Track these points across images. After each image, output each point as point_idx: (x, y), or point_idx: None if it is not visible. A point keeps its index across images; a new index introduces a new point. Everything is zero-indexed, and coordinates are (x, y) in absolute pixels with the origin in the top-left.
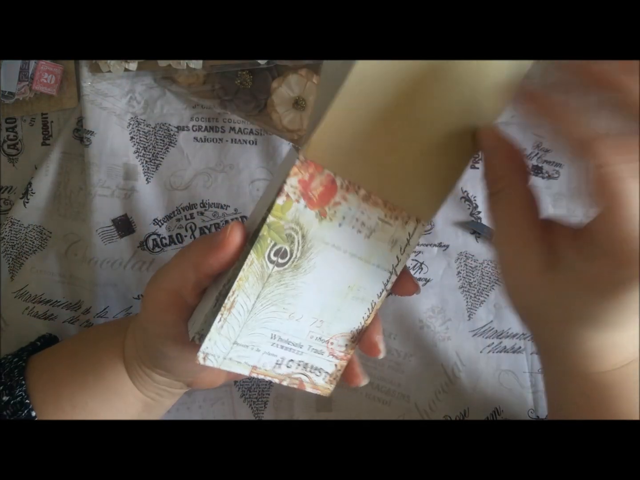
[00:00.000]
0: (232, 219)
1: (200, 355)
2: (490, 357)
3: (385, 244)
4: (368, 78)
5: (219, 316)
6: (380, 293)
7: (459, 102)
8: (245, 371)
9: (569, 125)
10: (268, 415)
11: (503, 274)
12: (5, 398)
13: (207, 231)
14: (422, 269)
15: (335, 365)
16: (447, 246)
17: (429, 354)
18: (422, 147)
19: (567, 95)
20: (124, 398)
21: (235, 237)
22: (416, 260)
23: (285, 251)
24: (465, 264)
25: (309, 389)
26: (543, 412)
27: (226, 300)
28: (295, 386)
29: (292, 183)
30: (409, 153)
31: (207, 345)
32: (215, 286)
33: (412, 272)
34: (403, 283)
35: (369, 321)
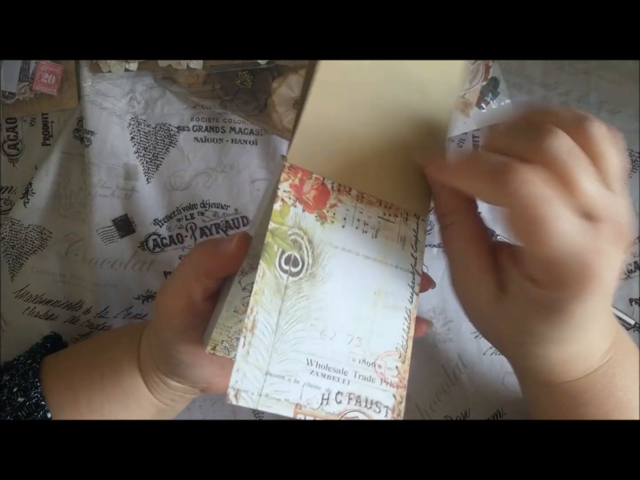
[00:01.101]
0: (232, 220)
1: (231, 392)
2: (493, 359)
3: (395, 242)
4: (334, 79)
5: (242, 340)
6: (411, 297)
7: (421, 97)
8: (288, 412)
9: (477, 170)
10: (268, 415)
11: (461, 304)
12: (20, 399)
13: (207, 231)
14: None
15: (394, 395)
16: None
17: (429, 355)
18: (399, 142)
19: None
20: (140, 403)
21: (241, 248)
22: None
23: (296, 258)
24: None
25: None
26: None
27: (246, 320)
28: None
29: (285, 188)
30: (388, 150)
31: (235, 378)
32: (224, 293)
33: None
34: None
35: (411, 334)
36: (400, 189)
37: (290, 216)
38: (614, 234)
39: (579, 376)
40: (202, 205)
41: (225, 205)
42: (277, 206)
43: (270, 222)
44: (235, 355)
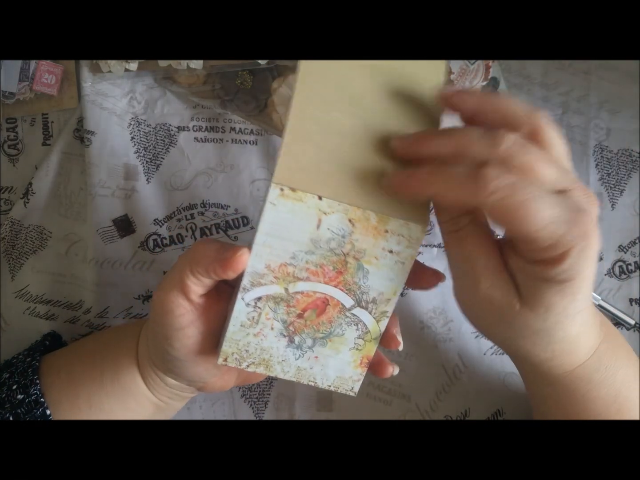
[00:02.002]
0: (232, 220)
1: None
2: (493, 359)
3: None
4: (315, 85)
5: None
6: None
7: (408, 99)
8: None
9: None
10: (269, 415)
11: (471, 310)
12: (19, 396)
13: (207, 231)
14: None
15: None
16: None
17: (429, 355)
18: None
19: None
20: (138, 400)
21: (241, 262)
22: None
23: None
24: None
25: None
26: None
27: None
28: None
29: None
30: (382, 161)
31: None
32: (230, 308)
33: None
34: (426, 276)
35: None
36: (396, 199)
37: None
38: (585, 195)
39: (570, 369)
40: (202, 205)
41: (225, 205)
42: None
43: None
44: (247, 365)
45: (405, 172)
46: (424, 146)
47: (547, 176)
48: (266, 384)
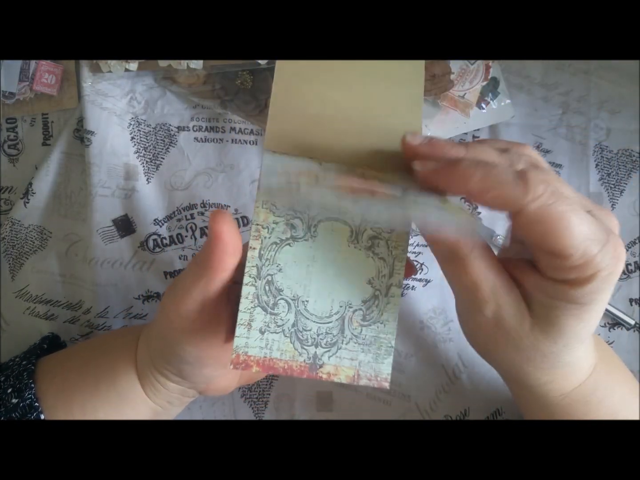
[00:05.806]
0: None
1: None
2: None
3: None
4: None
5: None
6: None
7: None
8: None
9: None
10: (268, 415)
11: (476, 331)
12: (14, 400)
13: (207, 231)
14: (422, 269)
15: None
16: None
17: (429, 355)
18: (373, 120)
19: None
20: (134, 406)
21: (220, 224)
22: (416, 261)
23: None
24: None
25: None
26: None
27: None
28: None
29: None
30: (363, 125)
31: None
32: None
33: None
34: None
35: None
36: (382, 160)
37: None
38: (609, 217)
39: (568, 391)
40: (202, 205)
41: (225, 205)
42: None
43: None
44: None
45: (443, 162)
46: (449, 152)
47: (575, 196)
48: (266, 384)
